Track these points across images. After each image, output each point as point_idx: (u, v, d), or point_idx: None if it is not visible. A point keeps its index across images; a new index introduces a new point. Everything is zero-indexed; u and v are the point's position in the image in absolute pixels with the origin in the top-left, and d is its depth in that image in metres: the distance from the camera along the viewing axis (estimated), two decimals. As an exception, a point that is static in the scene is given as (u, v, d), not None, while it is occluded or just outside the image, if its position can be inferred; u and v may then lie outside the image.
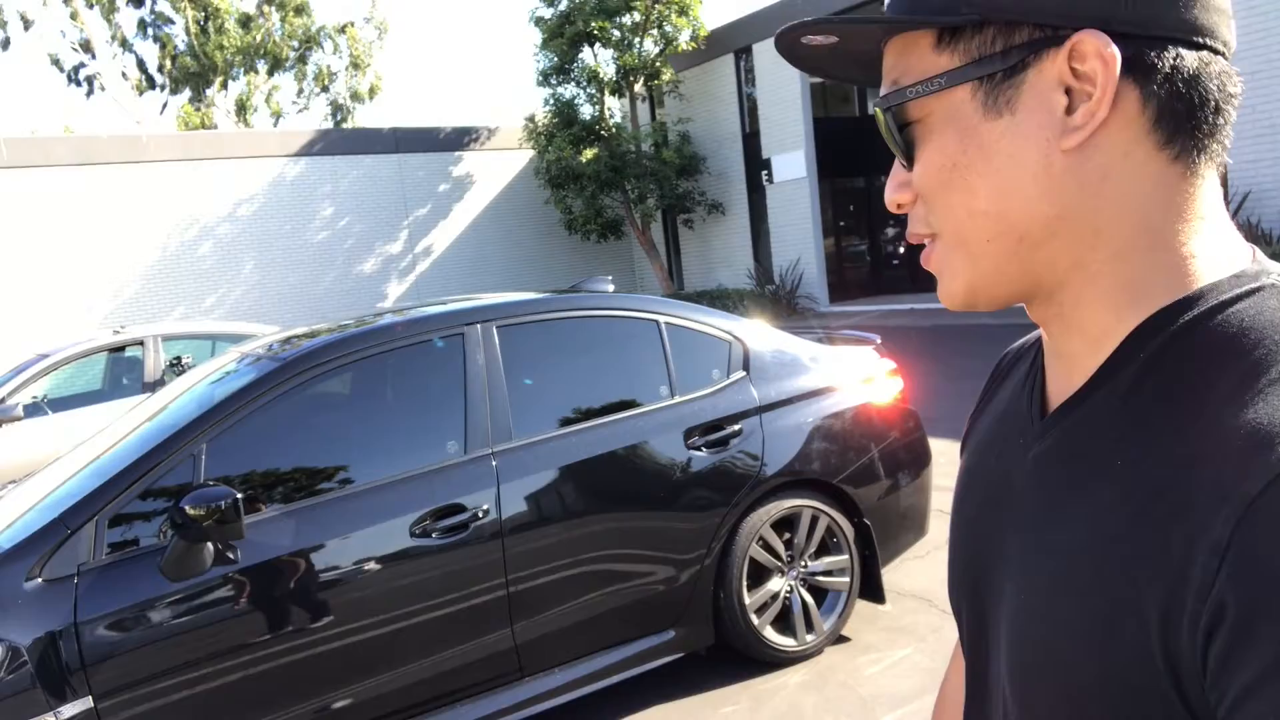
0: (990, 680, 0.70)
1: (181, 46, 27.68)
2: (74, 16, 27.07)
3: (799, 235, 18.53)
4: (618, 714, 3.42)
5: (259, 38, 28.02)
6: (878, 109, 0.65)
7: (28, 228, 16.55)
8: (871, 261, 20.21)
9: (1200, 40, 0.58)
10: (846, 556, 3.75)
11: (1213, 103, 0.59)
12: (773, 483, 3.60)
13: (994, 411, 0.78)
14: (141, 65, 28.44)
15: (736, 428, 3.58)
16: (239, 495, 2.63)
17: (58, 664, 2.51)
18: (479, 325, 3.33)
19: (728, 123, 19.72)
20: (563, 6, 18.54)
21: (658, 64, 18.76)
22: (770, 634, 3.61)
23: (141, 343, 7.90)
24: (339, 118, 29.90)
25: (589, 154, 18.31)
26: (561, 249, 21.65)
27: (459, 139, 21.03)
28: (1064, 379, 0.66)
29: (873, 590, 3.82)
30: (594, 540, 3.28)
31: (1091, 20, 0.57)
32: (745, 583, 3.54)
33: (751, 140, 19.32)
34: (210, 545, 2.68)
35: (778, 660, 3.64)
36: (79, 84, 28.35)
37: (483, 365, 3.28)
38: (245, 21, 27.78)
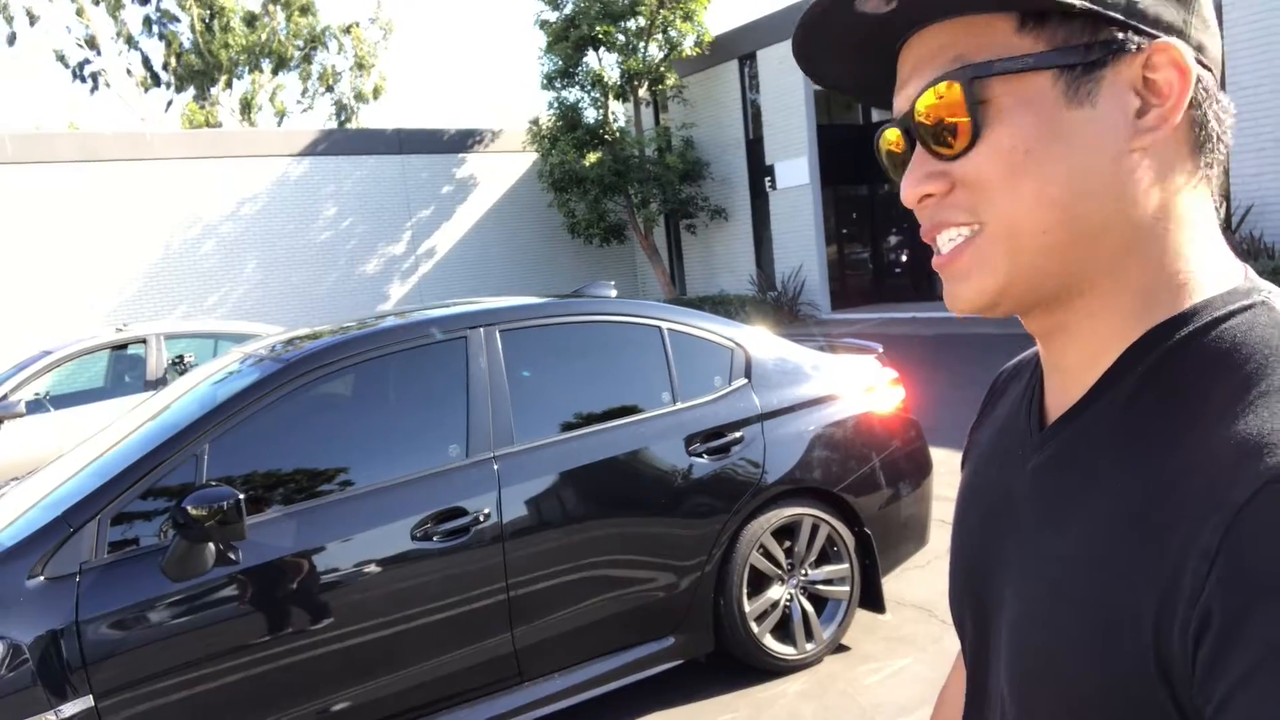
0: (990, 688, 0.71)
1: (187, 44, 27.72)
2: (80, 13, 27.12)
3: (801, 242, 18.54)
4: (616, 720, 3.42)
5: (264, 37, 28.07)
6: (949, 81, 0.61)
7: (31, 223, 16.56)
8: (873, 269, 20.22)
9: (1206, 62, 0.62)
10: (847, 565, 3.75)
11: (1226, 121, 0.63)
12: (773, 490, 3.60)
13: (993, 426, 0.80)
14: (146, 62, 28.49)
15: (738, 435, 3.58)
16: (241, 496, 2.64)
17: (59, 662, 2.51)
18: (482, 329, 3.34)
19: (731, 128, 19.74)
20: (568, 10, 18.57)
21: (662, 69, 18.78)
22: (770, 642, 3.61)
23: (144, 341, 7.91)
24: (343, 118, 29.94)
25: (592, 158, 18.32)
26: (564, 252, 21.66)
27: (463, 141, 21.06)
28: (1062, 392, 0.67)
29: (873, 599, 3.82)
30: (595, 545, 3.28)
31: (1169, 33, 0.60)
32: (745, 590, 3.54)
33: (755, 146, 19.34)
34: (212, 546, 2.68)
35: (777, 668, 3.64)
36: (84, 80, 28.41)
37: (485, 369, 3.28)
38: (250, 20, 27.83)
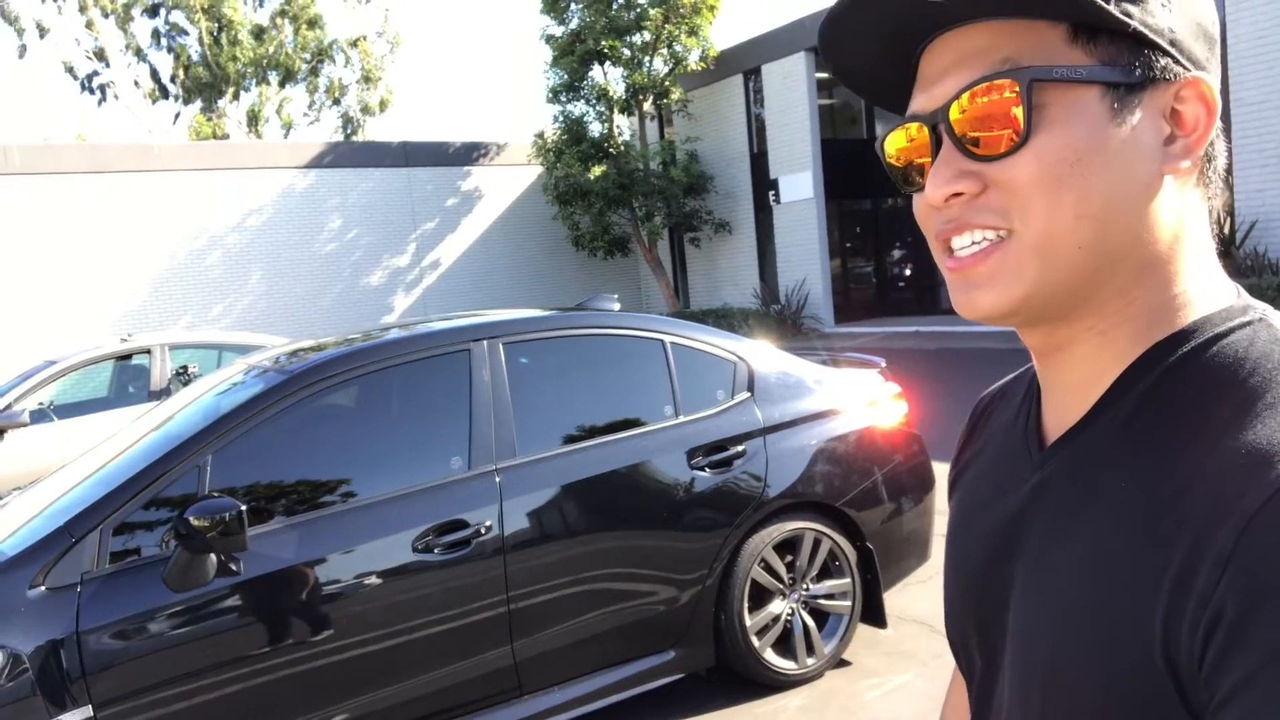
0: (996, 708, 0.71)
1: (195, 57, 27.89)
2: (89, 25, 27.30)
3: (805, 256, 18.56)
4: (616, 734, 3.41)
5: (272, 50, 28.23)
6: (1007, 81, 0.60)
7: (38, 234, 16.63)
8: (877, 283, 20.23)
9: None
10: (848, 580, 3.74)
11: (1222, 158, 0.66)
12: (775, 504, 3.60)
13: (984, 451, 0.80)
14: (155, 75, 28.65)
15: (740, 449, 3.58)
16: (243, 507, 2.64)
17: (59, 672, 2.51)
18: (485, 341, 3.35)
19: (736, 142, 19.80)
20: (573, 25, 18.66)
21: (667, 83, 18.85)
22: (771, 656, 3.60)
23: (148, 351, 7.93)
24: (349, 130, 30.07)
25: (597, 171, 18.38)
26: (568, 265, 21.70)
27: (468, 154, 21.13)
28: (1062, 411, 0.68)
29: (874, 614, 3.81)
30: (596, 559, 3.28)
31: (1197, 67, 0.62)
32: (746, 604, 3.54)
33: (759, 160, 19.39)
34: (213, 557, 2.69)
35: (778, 683, 3.63)
36: (92, 92, 28.56)
37: (488, 381, 3.29)
38: (258, 33, 28.00)
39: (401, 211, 20.34)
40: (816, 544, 3.69)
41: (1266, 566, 0.49)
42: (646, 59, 18.61)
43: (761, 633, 3.59)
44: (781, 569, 3.64)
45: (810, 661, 3.66)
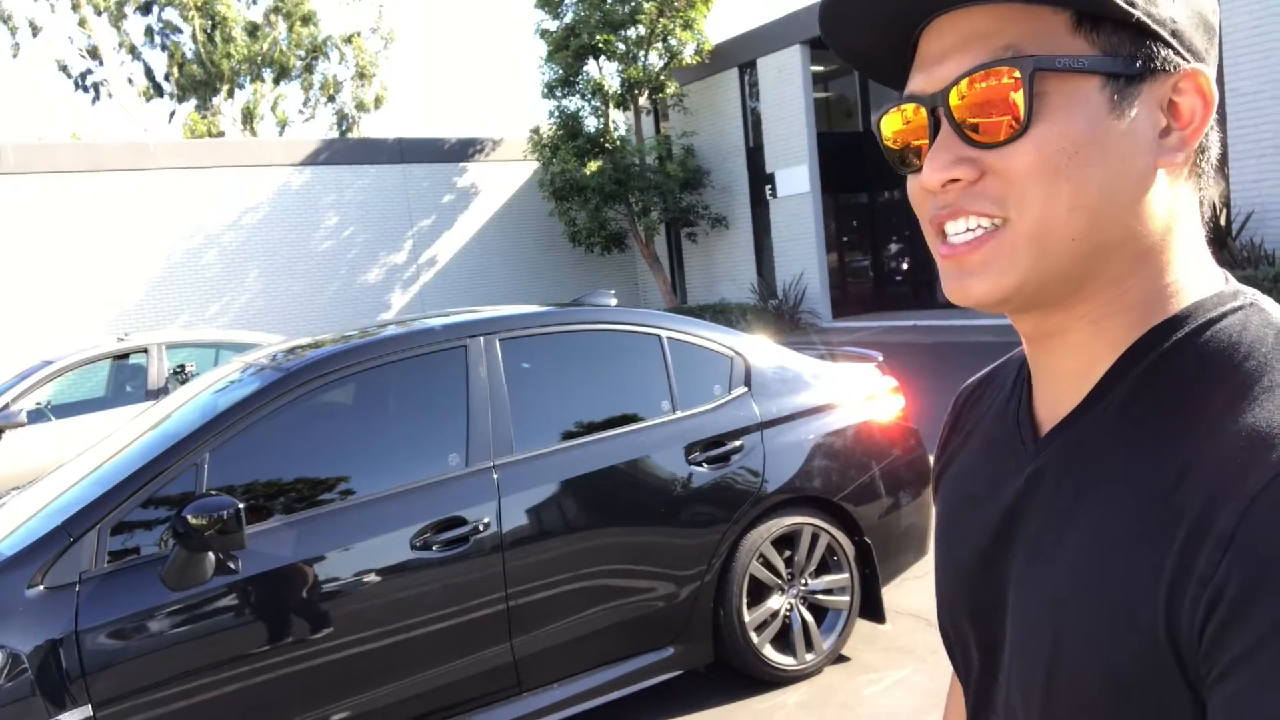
0: (997, 700, 0.71)
1: (189, 54, 27.82)
2: (82, 23, 27.23)
3: (802, 250, 18.56)
4: (616, 729, 3.41)
5: (266, 47, 28.17)
6: (1009, 69, 0.60)
7: (33, 233, 16.60)
8: (874, 277, 20.23)
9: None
10: (847, 575, 3.75)
11: (1216, 149, 0.65)
12: (773, 500, 3.60)
13: (971, 443, 0.80)
14: (149, 73, 28.59)
15: (738, 444, 3.58)
16: (241, 505, 2.64)
17: (58, 672, 2.51)
18: (481, 338, 3.34)
19: (731, 136, 19.78)
20: (568, 19, 18.62)
21: (662, 77, 18.83)
22: (769, 652, 3.61)
23: (145, 350, 7.91)
24: (344, 127, 30.03)
25: (593, 166, 18.36)
26: (565, 261, 21.68)
27: (463, 150, 21.10)
28: (1055, 400, 0.68)
29: (873, 609, 3.82)
30: (594, 555, 3.28)
31: (1196, 59, 0.62)
32: (745, 600, 3.54)
33: (755, 154, 19.38)
34: (211, 555, 2.68)
35: (777, 679, 3.63)
36: (86, 90, 28.51)
37: (485, 378, 3.29)
38: (252, 30, 27.94)
39: (398, 208, 20.31)
40: (815, 539, 3.69)
41: (1268, 546, 0.50)
42: (641, 53, 18.58)
43: (760, 628, 3.60)
44: (780, 564, 3.64)
45: (809, 657, 3.67)
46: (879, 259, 20.30)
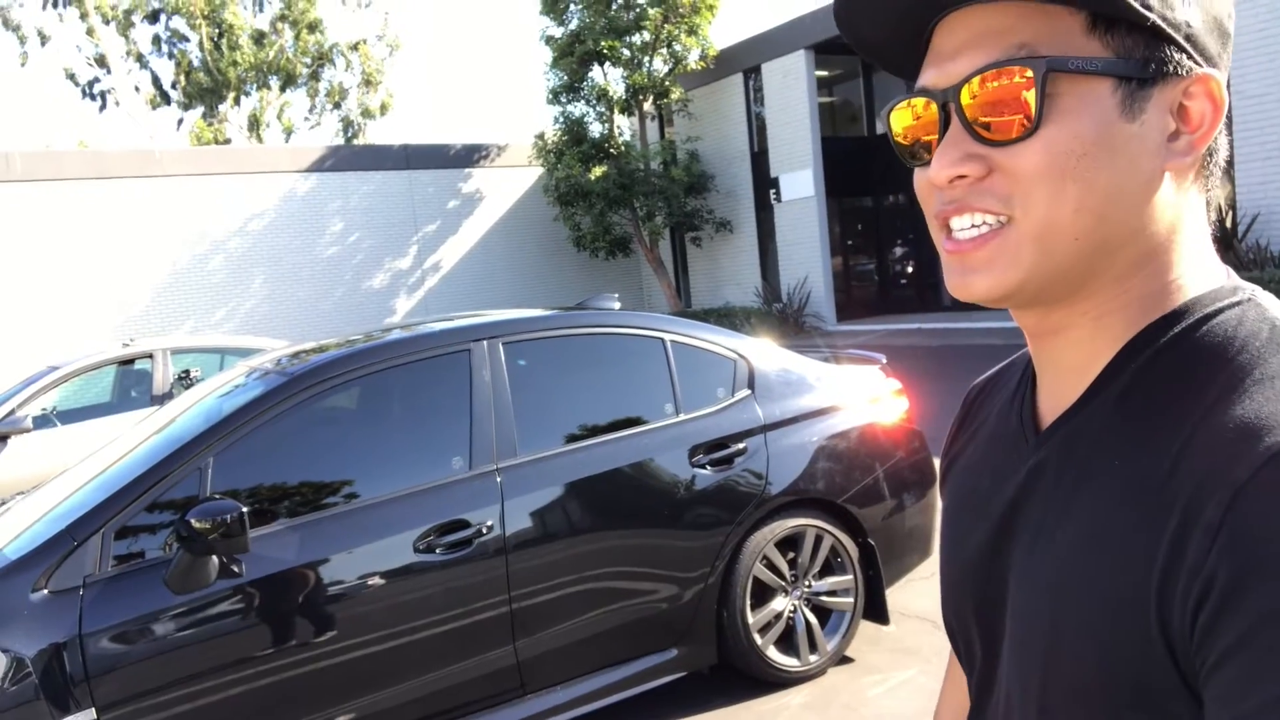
0: (997, 690, 0.72)
1: (195, 62, 27.95)
2: (90, 32, 27.37)
3: (806, 254, 18.55)
4: (620, 732, 3.41)
5: (272, 54, 28.28)
6: (1021, 68, 0.60)
7: (40, 240, 16.67)
8: (879, 281, 20.22)
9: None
10: (851, 576, 3.74)
11: (1223, 152, 0.66)
12: (777, 502, 3.60)
13: (977, 439, 0.81)
14: (156, 81, 28.72)
15: (741, 446, 3.58)
16: (244, 509, 2.65)
17: (62, 675, 2.52)
18: (485, 341, 3.35)
19: (736, 141, 19.80)
20: (573, 26, 18.67)
21: (667, 83, 18.85)
22: (773, 654, 3.60)
23: (151, 355, 7.94)
24: (350, 134, 30.12)
25: (598, 171, 18.39)
26: (569, 266, 21.71)
27: (469, 156, 21.15)
28: (1057, 394, 0.69)
29: (877, 611, 3.81)
30: (597, 557, 3.28)
31: (1209, 63, 0.62)
32: (749, 602, 3.54)
33: (760, 159, 19.39)
34: (215, 559, 2.69)
35: (781, 681, 3.63)
36: (93, 98, 28.65)
37: (488, 381, 3.29)
38: (259, 38, 28.05)
39: (403, 214, 20.36)
40: (818, 541, 3.69)
41: (1254, 536, 0.51)
42: (646, 59, 18.61)
43: (764, 630, 3.59)
44: (784, 566, 3.63)
45: (813, 659, 3.66)
46: (883, 262, 20.29)
